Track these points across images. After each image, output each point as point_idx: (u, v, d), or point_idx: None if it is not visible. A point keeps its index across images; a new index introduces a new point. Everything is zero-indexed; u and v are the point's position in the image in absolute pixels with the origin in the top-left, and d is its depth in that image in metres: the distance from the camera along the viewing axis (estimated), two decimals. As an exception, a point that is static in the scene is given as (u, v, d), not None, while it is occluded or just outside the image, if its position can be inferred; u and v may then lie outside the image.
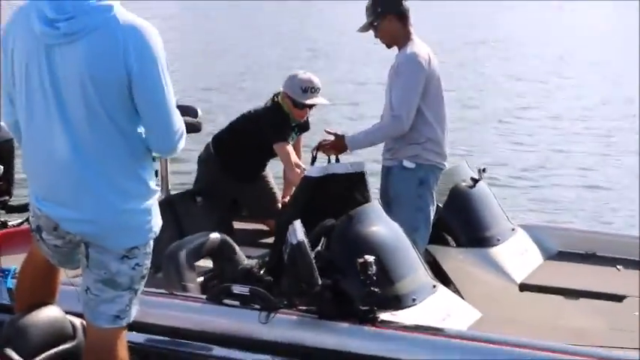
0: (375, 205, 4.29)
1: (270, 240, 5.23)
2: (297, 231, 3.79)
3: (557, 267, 5.09)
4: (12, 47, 3.00)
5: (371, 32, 4.95)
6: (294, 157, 5.36)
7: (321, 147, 4.97)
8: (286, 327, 3.79)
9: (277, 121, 5.37)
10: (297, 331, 3.79)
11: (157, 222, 3.13)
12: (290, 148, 5.39)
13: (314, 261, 3.77)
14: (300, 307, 3.85)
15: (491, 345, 3.60)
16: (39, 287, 3.43)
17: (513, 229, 5.25)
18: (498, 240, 5.04)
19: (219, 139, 5.58)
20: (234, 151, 5.47)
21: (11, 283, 4.09)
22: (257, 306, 3.85)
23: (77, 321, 3.42)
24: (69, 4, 2.86)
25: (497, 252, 4.96)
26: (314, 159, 5.11)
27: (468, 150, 10.89)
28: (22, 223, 5.25)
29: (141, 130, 3.02)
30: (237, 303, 3.92)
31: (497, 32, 28.82)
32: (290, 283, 3.87)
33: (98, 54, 2.85)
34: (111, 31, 2.86)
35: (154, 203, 3.11)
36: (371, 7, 4.90)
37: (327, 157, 4.96)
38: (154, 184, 3.11)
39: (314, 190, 4.53)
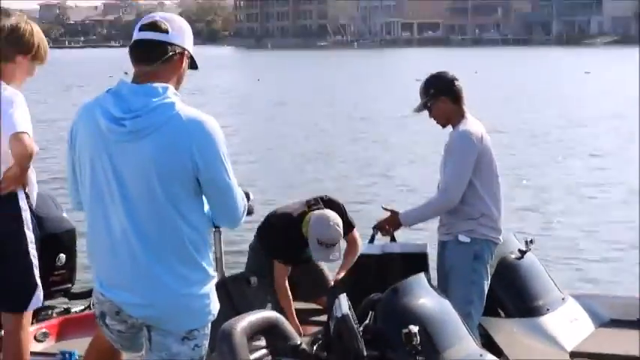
0: (420, 278, 4.37)
1: (323, 318, 5.35)
2: (342, 304, 3.90)
3: (608, 334, 5.09)
4: (78, 142, 3.19)
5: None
6: (282, 280, 5.46)
7: (379, 226, 5.14)
8: (334, 399, 3.87)
9: (286, 244, 5.45)
10: (345, 404, 3.86)
11: (215, 305, 3.27)
12: (284, 270, 5.48)
13: (360, 333, 3.88)
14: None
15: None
16: None
17: (563, 299, 5.27)
18: (548, 309, 5.07)
19: (259, 229, 5.74)
20: (272, 240, 5.58)
21: None
22: (306, 380, 3.95)
23: None
24: (134, 104, 3.05)
25: (547, 321, 4.99)
26: (373, 237, 5.27)
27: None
28: (84, 309, 5.44)
29: (200, 218, 3.17)
30: (287, 378, 4.02)
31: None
32: (337, 357, 3.96)
33: (164, 150, 3.02)
34: (176, 128, 3.03)
35: (211, 287, 3.25)
36: (424, 89, 5.04)
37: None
38: (212, 270, 3.25)
39: (370, 268, 4.67)
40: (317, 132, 22.42)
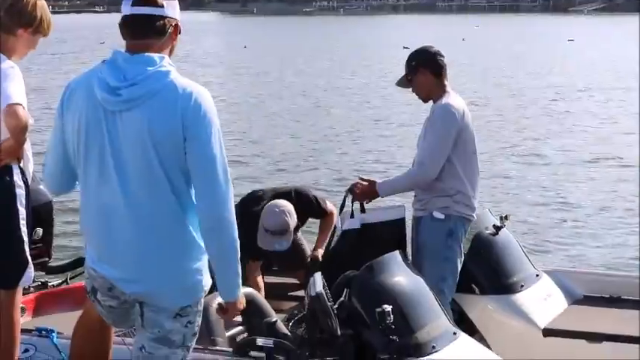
0: (394, 255, 4.41)
1: (301, 293, 5.40)
2: (317, 283, 3.93)
3: (581, 311, 5.14)
4: (72, 114, 3.17)
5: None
6: (254, 278, 5.34)
7: (352, 192, 5.15)
8: (309, 377, 3.91)
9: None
10: (319, 380, 3.91)
11: (207, 280, 3.26)
12: (254, 265, 5.35)
13: (336, 312, 3.92)
14: (323, 358, 3.98)
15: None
16: (93, 349, 3.57)
17: (537, 275, 5.31)
18: (522, 286, 5.11)
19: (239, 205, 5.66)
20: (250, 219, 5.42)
21: (57, 341, 4.26)
22: (281, 357, 3.99)
23: None
24: (130, 72, 3.05)
25: (520, 298, 5.03)
26: (343, 204, 5.29)
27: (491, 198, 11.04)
28: (61, 283, 5.45)
29: (193, 192, 3.14)
30: (262, 355, 4.06)
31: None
32: (311, 334, 4.01)
33: (158, 117, 3.02)
34: (169, 96, 3.04)
35: (204, 263, 3.24)
36: (407, 62, 5.05)
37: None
38: (204, 245, 3.20)
39: (349, 242, 4.69)
40: (307, 105, 22.25)
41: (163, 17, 3.13)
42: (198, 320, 3.28)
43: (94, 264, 3.23)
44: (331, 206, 5.66)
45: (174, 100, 3.03)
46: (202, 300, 3.29)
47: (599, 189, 12.44)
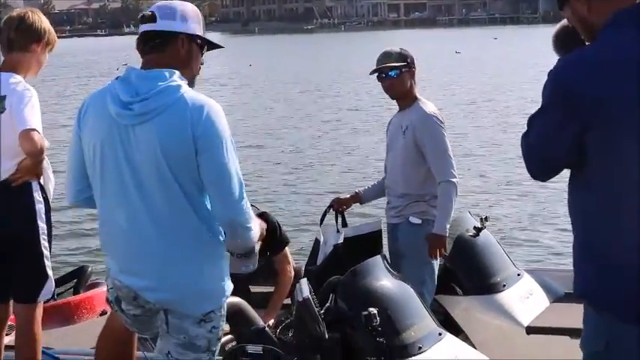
0: (377, 260, 4.48)
1: (287, 301, 5.45)
2: (303, 288, 4.00)
3: (563, 308, 5.21)
4: (87, 130, 3.26)
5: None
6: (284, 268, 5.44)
7: (333, 207, 5.32)
8: (298, 381, 3.97)
9: None
10: (309, 384, 3.97)
11: (229, 285, 3.33)
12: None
13: (322, 316, 3.98)
14: (312, 362, 4.04)
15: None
16: (116, 358, 3.65)
17: (519, 274, 5.39)
18: (504, 285, 5.19)
19: None
20: None
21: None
22: (271, 363, 4.05)
23: None
24: (142, 88, 3.13)
25: (503, 297, 5.11)
26: (323, 218, 5.37)
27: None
28: (48, 300, 5.46)
29: (207, 199, 3.20)
30: (252, 362, 4.12)
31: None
32: (299, 339, 4.07)
33: (169, 131, 3.09)
34: (180, 110, 3.10)
35: (225, 268, 3.32)
36: (400, 55, 5.04)
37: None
38: (223, 249, 3.30)
39: (330, 259, 4.78)
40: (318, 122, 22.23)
41: (155, 32, 3.23)
42: (222, 325, 3.35)
43: (117, 275, 3.31)
44: (291, 268, 5.54)
45: (185, 114, 3.10)
46: (225, 305, 3.34)
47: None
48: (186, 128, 3.09)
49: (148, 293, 3.24)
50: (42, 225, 4.20)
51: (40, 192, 4.22)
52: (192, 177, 3.15)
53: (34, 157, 4.09)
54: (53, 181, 4.34)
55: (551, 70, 2.60)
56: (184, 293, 3.23)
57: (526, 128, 2.71)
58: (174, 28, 3.25)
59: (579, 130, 2.52)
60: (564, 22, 3.06)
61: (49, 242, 4.26)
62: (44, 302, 5.28)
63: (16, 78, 4.21)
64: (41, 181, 4.23)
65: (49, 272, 4.25)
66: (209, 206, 3.21)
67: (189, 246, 3.21)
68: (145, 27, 3.25)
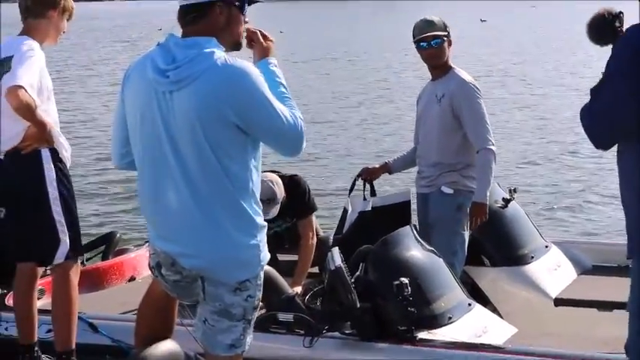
0: (407, 230, 4.49)
1: (314, 270, 5.47)
2: (335, 257, 4.02)
3: (591, 281, 5.23)
4: (129, 95, 3.30)
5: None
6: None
7: (362, 176, 5.34)
8: (329, 349, 4.00)
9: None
10: (340, 352, 4.01)
11: (265, 255, 3.33)
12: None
13: (353, 285, 4.00)
14: (342, 330, 4.07)
15: (527, 357, 3.78)
16: (157, 323, 3.66)
17: (547, 246, 5.39)
18: (532, 257, 5.19)
19: None
20: None
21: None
22: (301, 331, 4.08)
23: (192, 353, 3.66)
24: (178, 55, 3.16)
25: (531, 269, 5.11)
26: (353, 187, 5.38)
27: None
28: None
29: (245, 168, 3.22)
30: (282, 330, 4.15)
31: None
32: (331, 308, 4.09)
33: (203, 99, 3.11)
34: (213, 76, 3.12)
35: (261, 238, 3.31)
36: (444, 25, 5.03)
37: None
38: (260, 219, 3.30)
39: (361, 224, 4.79)
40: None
41: (203, 3, 3.21)
42: (259, 294, 3.35)
43: (155, 240, 3.35)
44: (314, 235, 5.56)
45: (219, 80, 3.12)
46: (262, 274, 3.34)
47: (608, 158, 12.46)
48: (220, 94, 3.11)
49: (183, 259, 3.26)
50: (52, 191, 4.23)
51: (50, 158, 4.24)
52: (228, 142, 3.16)
53: (23, 115, 4.09)
54: (68, 147, 4.36)
55: (622, 37, 2.63)
56: (218, 261, 3.24)
57: (589, 98, 2.74)
58: None
59: None
60: (600, 10, 3.07)
61: (67, 207, 4.29)
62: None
63: (28, 40, 4.22)
64: (54, 146, 4.26)
65: (62, 237, 4.28)
66: (244, 177, 3.22)
67: (223, 214, 3.22)
68: (181, 0, 3.26)
